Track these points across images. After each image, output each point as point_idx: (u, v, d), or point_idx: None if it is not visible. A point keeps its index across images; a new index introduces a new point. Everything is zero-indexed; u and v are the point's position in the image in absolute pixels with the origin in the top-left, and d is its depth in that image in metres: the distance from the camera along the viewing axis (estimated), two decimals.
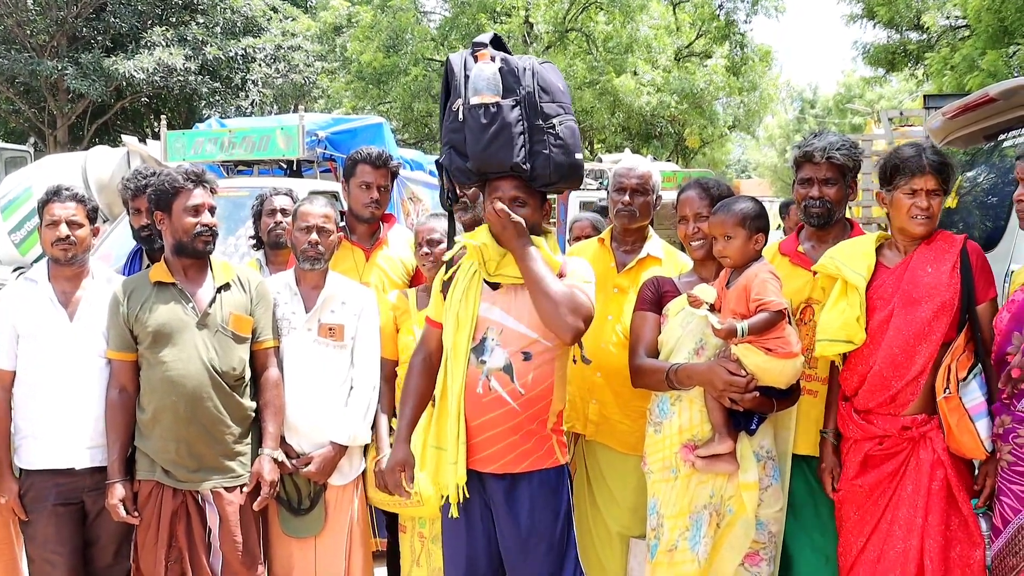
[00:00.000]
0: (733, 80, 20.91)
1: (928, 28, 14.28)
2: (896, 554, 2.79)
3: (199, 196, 3.19)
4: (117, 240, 6.22)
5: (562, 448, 2.87)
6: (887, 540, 2.82)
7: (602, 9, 19.64)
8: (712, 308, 2.90)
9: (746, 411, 2.82)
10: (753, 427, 2.85)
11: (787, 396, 2.90)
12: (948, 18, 14.07)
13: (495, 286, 2.83)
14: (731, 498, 2.87)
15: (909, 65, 15.98)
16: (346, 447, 3.37)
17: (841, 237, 3.15)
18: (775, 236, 3.99)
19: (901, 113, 8.72)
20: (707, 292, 2.92)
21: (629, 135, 21.50)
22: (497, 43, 2.92)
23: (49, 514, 3.17)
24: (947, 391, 2.73)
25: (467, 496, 2.78)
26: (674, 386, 2.89)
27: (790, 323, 2.85)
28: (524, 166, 2.75)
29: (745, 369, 2.77)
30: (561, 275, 2.80)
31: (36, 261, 3.45)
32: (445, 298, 2.92)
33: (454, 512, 2.80)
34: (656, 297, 3.09)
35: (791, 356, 2.77)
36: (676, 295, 3.07)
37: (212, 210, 3.23)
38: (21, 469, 3.23)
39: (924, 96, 8.24)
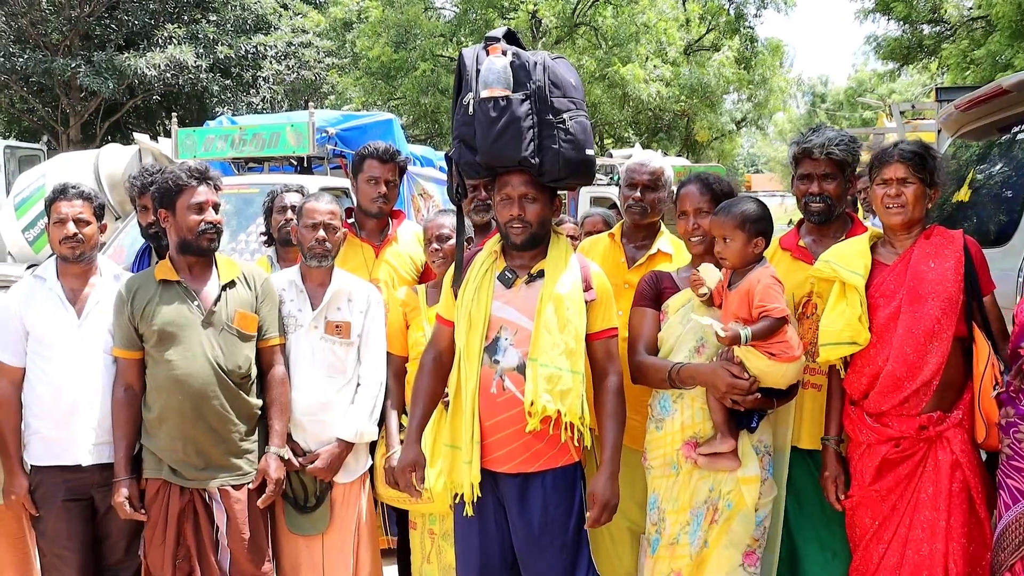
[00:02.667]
0: (743, 74, 20.82)
1: (945, 20, 14.21)
2: (920, 558, 2.74)
3: (203, 193, 3.17)
4: (129, 237, 6.25)
5: (576, 446, 2.85)
6: (907, 544, 2.77)
7: (610, 3, 19.57)
8: (711, 299, 2.88)
9: (747, 409, 2.81)
10: (754, 425, 2.84)
11: (786, 395, 2.89)
12: (957, 7, 13.99)
13: (508, 284, 2.81)
14: (730, 492, 2.85)
15: (924, 58, 15.90)
16: (352, 444, 3.36)
17: (841, 232, 3.13)
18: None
19: (913, 106, 8.65)
20: (711, 273, 2.88)
21: (637, 129, 21.46)
22: (511, 38, 2.90)
23: (59, 510, 3.19)
24: (997, 387, 2.67)
25: (480, 495, 2.76)
26: (676, 385, 2.87)
27: (791, 325, 2.82)
28: (532, 160, 2.72)
29: (748, 372, 2.75)
30: (587, 287, 2.79)
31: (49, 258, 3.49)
32: (456, 296, 2.90)
33: (468, 511, 2.78)
34: (655, 293, 3.07)
35: (793, 360, 2.77)
36: (675, 291, 3.04)
37: (216, 207, 3.21)
38: (31, 465, 3.24)
39: (936, 89, 8.17)
